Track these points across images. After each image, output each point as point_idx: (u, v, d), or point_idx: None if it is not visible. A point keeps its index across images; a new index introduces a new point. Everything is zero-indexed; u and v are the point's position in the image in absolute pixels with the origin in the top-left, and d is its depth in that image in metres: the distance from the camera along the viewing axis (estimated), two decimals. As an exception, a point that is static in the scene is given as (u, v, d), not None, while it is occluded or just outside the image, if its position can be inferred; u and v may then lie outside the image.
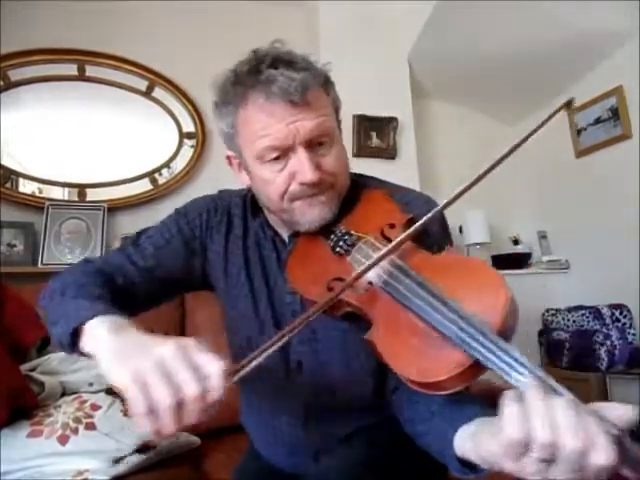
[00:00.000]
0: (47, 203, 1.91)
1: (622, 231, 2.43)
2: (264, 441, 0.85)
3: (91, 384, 1.24)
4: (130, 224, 2.06)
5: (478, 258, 0.60)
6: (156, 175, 2.16)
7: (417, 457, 0.67)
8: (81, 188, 2.03)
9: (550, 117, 0.65)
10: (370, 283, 0.60)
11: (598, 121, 2.59)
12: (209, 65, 2.31)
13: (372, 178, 0.85)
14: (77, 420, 1.10)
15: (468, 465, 0.53)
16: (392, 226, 0.66)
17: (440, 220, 0.76)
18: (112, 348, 0.52)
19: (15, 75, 1.96)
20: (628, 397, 2.11)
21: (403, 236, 0.58)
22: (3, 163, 1.91)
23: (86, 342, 0.56)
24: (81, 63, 2.07)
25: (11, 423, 1.07)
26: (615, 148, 2.52)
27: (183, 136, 2.23)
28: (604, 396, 2.18)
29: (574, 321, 2.45)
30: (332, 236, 0.69)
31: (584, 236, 2.68)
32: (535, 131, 0.64)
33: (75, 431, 1.08)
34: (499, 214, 2.91)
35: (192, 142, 2.23)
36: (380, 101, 2.40)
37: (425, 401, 0.61)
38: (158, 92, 2.20)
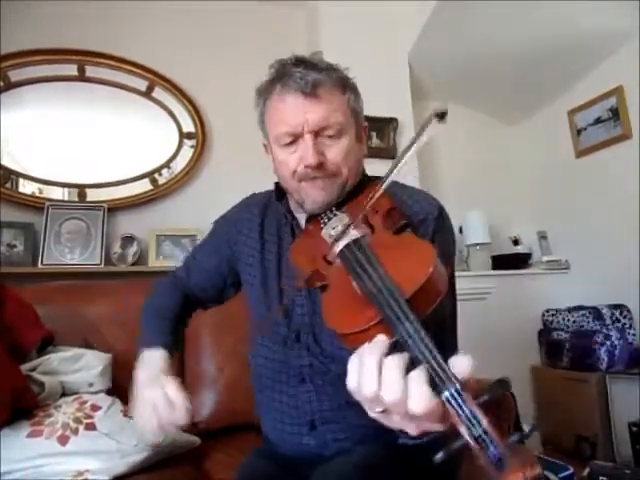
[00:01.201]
0: (47, 203, 1.91)
1: (622, 231, 2.43)
2: (271, 418, 0.88)
3: (91, 384, 1.24)
4: (130, 224, 2.06)
5: (426, 243, 0.66)
6: (156, 175, 2.16)
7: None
8: (81, 188, 2.03)
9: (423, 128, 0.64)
10: (337, 255, 0.68)
11: (598, 121, 2.59)
12: (209, 65, 2.35)
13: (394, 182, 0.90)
14: (77, 420, 1.10)
15: None
16: (376, 212, 0.72)
17: (448, 234, 0.82)
18: (139, 379, 0.78)
19: (15, 75, 1.96)
20: (628, 397, 2.11)
21: (363, 212, 0.69)
22: (3, 163, 1.91)
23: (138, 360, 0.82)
24: (81, 63, 2.07)
25: (11, 423, 1.07)
26: (615, 148, 2.52)
27: (183, 136, 2.23)
28: (604, 396, 2.18)
29: (574, 321, 2.45)
30: (324, 216, 0.80)
31: (584, 236, 2.68)
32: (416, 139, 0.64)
33: (75, 431, 1.08)
34: (499, 214, 2.91)
35: (192, 142, 2.23)
36: (380, 101, 2.39)
37: None
38: (158, 92, 2.19)
